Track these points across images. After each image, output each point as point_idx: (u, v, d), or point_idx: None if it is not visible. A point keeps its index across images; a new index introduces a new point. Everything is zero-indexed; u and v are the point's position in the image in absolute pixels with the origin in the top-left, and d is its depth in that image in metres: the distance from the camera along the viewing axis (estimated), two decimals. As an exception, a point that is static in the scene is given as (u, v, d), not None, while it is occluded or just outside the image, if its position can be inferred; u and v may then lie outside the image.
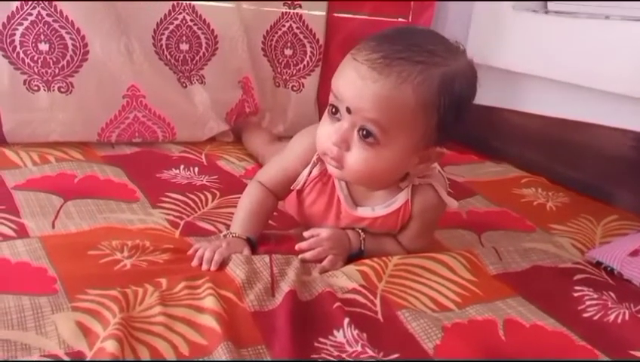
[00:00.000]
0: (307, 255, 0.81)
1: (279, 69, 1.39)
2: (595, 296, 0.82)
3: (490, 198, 1.16)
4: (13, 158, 1.08)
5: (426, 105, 0.73)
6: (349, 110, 0.75)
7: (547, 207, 1.15)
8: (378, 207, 0.85)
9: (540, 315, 0.76)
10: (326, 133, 0.77)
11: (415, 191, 0.84)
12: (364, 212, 0.85)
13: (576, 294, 0.83)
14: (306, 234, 0.84)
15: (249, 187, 0.89)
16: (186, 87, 1.28)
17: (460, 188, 1.19)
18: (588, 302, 0.81)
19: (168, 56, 1.25)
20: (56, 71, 1.14)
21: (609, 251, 0.94)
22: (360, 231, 0.86)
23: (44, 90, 1.14)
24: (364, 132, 0.74)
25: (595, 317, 0.78)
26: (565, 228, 1.06)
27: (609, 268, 0.91)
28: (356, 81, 0.73)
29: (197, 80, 1.29)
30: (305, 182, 0.86)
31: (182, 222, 0.91)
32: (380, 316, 0.72)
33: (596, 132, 1.27)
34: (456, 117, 0.76)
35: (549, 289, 0.83)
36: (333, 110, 0.77)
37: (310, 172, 0.85)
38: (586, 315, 0.78)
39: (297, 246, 0.82)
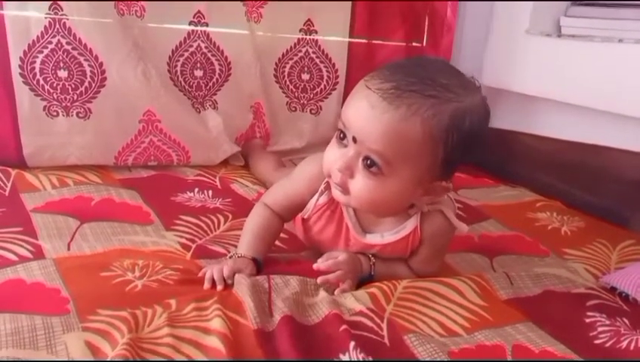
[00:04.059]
0: (330, 277, 0.80)
1: (296, 94, 1.42)
2: (608, 322, 0.81)
3: (504, 222, 1.16)
4: (33, 182, 1.11)
5: (434, 140, 0.73)
6: (354, 139, 0.75)
7: (562, 231, 1.14)
8: (387, 234, 0.85)
9: (550, 341, 0.75)
10: (332, 157, 0.78)
11: (424, 218, 0.83)
12: (374, 239, 0.85)
13: (588, 320, 0.81)
14: (323, 257, 0.83)
15: (255, 209, 0.90)
16: (199, 112, 1.31)
17: (473, 211, 1.19)
18: (600, 329, 0.80)
19: (183, 83, 1.28)
20: (75, 97, 1.17)
21: (624, 276, 0.92)
22: (370, 255, 0.86)
23: (63, 115, 1.18)
24: (369, 161, 0.74)
25: (607, 344, 0.77)
26: (580, 253, 1.04)
27: (624, 294, 0.89)
28: (366, 110, 0.73)
29: (210, 105, 1.32)
30: (312, 210, 0.86)
31: (193, 245, 0.93)
32: (386, 340, 0.71)
33: (612, 155, 1.26)
34: (463, 153, 0.76)
35: (561, 314, 0.82)
36: (341, 135, 0.77)
37: (318, 199, 0.85)
38: (597, 342, 0.77)
39: (316, 266, 0.81)
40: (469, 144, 0.75)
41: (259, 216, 0.89)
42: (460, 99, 0.73)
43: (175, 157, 1.27)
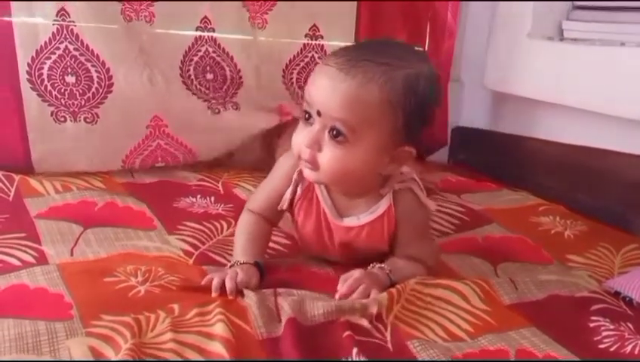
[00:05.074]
0: (355, 295, 0.79)
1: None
2: (612, 326, 0.81)
3: (506, 226, 1.15)
4: (37, 187, 1.11)
5: (392, 104, 0.78)
6: (319, 113, 0.78)
7: (565, 235, 1.13)
8: (363, 215, 0.87)
9: (554, 346, 0.75)
10: (299, 138, 0.81)
11: (396, 196, 0.87)
12: (350, 221, 0.87)
13: (592, 324, 0.81)
14: (340, 281, 0.82)
15: (241, 217, 0.92)
16: (218, 112, 1.29)
17: (476, 215, 1.18)
18: (604, 333, 0.79)
19: (198, 85, 1.27)
20: (82, 102, 1.18)
21: (628, 281, 0.91)
22: (380, 265, 0.85)
23: (71, 120, 1.18)
24: (334, 132, 0.78)
25: (612, 349, 0.76)
26: (583, 260, 1.03)
27: (628, 299, 0.89)
28: (326, 83, 0.78)
29: (222, 108, 1.31)
30: (292, 204, 0.88)
31: (196, 251, 0.93)
32: (389, 345, 0.71)
33: (615, 159, 1.26)
34: (421, 117, 0.82)
35: (564, 319, 0.82)
36: (307, 116, 0.81)
37: (295, 191, 0.87)
38: (601, 346, 0.77)
39: (338, 295, 0.79)
40: (425, 107, 0.81)
41: (246, 223, 0.90)
42: (411, 65, 0.80)
43: (182, 158, 1.28)
